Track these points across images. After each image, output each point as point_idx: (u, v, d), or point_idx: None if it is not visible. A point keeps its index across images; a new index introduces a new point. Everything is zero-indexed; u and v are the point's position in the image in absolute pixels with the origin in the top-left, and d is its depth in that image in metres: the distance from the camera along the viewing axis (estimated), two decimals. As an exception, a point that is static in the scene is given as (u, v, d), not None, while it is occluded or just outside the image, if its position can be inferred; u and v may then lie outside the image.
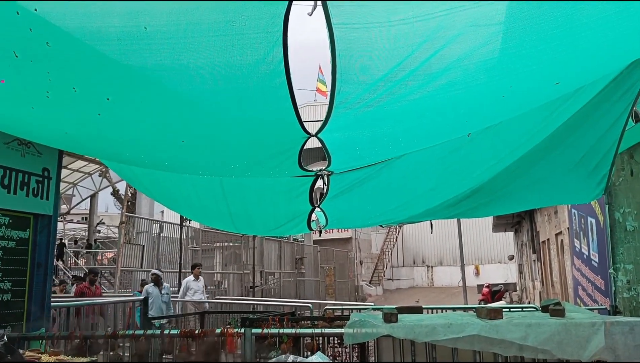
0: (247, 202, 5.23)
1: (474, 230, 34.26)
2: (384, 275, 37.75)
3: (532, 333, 3.33)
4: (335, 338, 4.84)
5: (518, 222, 21.59)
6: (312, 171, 4.18)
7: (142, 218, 15.55)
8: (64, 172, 21.10)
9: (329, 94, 2.80)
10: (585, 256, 8.58)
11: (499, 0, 2.28)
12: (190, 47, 2.39)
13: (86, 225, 29.30)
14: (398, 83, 2.72)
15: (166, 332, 4.34)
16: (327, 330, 4.33)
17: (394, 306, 4.23)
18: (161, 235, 15.47)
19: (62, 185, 23.87)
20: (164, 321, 9.66)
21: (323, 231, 5.86)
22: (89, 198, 27.77)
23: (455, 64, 2.64)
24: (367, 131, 3.41)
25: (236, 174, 4.36)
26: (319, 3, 2.22)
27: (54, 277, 15.76)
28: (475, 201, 4.95)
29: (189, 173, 4.49)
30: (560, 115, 3.56)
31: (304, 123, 3.09)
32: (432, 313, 6.50)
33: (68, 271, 20.72)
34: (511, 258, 28.87)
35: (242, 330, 4.16)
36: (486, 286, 23.71)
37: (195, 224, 16.69)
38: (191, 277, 12.23)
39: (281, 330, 4.30)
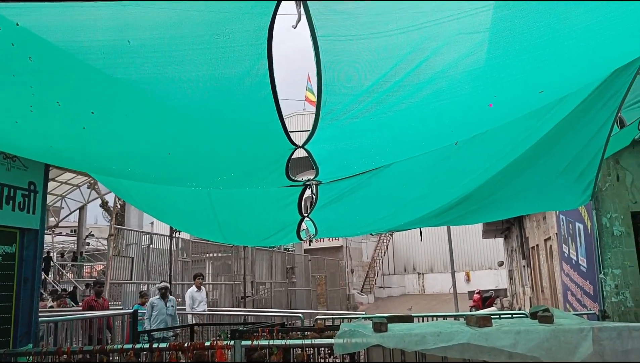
0: (235, 212, 5.21)
1: (464, 236, 34.32)
2: (375, 283, 37.68)
3: (521, 341, 3.35)
4: (326, 349, 4.82)
5: (507, 228, 21.67)
6: (300, 181, 4.17)
7: (132, 230, 15.38)
8: (52, 184, 20.96)
9: (315, 105, 2.81)
10: (573, 261, 8.63)
11: (484, 9, 2.30)
12: (175, 61, 2.39)
13: (75, 238, 29.11)
14: (384, 94, 2.74)
15: (155, 345, 4.31)
16: (317, 341, 4.32)
17: (384, 315, 4.23)
18: (151, 246, 15.31)
19: (51, 198, 23.76)
20: (169, 334, 9.53)
21: (313, 240, 5.85)
22: (78, 211, 27.65)
23: (441, 74, 2.66)
24: (354, 141, 3.42)
25: (224, 186, 4.34)
26: (303, 15, 2.23)
27: (42, 291, 15.58)
28: (463, 209, 4.97)
29: (176, 186, 4.47)
30: (546, 123, 3.59)
31: (291, 134, 3.09)
32: (423, 321, 6.50)
33: (57, 285, 20.49)
34: (501, 264, 28.95)
35: (232, 343, 4.14)
36: (477, 293, 23.77)
37: (185, 235, 16.58)
38: (194, 288, 12.17)
39: (271, 342, 4.28)
